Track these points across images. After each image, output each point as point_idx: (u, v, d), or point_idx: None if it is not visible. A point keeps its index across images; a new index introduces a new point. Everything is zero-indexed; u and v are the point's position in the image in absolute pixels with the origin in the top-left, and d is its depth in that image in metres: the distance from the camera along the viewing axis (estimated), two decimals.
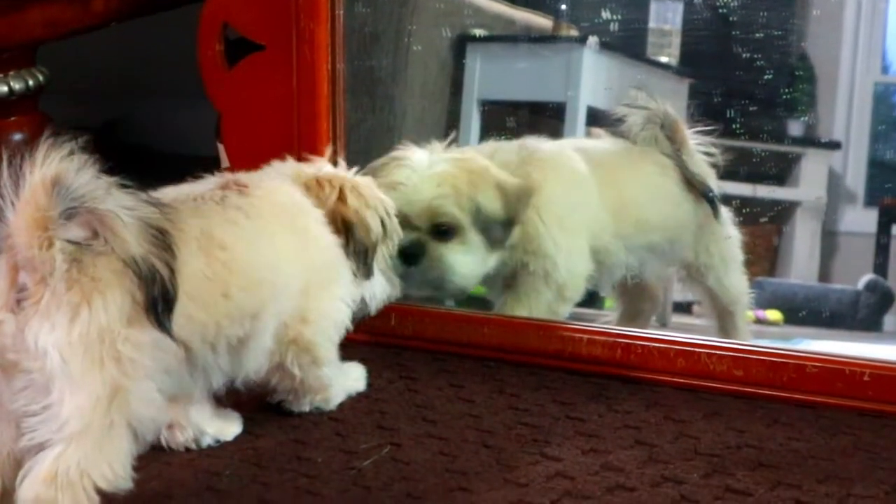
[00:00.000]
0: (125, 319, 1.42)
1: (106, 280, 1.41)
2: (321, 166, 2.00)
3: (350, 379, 2.04)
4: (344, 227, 1.91)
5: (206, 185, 1.79)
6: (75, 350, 1.39)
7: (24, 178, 1.37)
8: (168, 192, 1.70)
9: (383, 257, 2.00)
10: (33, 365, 1.41)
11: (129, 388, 1.43)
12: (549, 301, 2.24)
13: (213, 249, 1.60)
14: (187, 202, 1.67)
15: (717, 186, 2.52)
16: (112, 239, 1.40)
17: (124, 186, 1.43)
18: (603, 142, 2.39)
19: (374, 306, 2.02)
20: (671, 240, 2.42)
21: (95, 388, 1.40)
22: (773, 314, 2.82)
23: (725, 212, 2.54)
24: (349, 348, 2.11)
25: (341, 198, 1.92)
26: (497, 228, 2.16)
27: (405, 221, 2.11)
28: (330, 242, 1.88)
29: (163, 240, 1.43)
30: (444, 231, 2.14)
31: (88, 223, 1.41)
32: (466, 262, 2.15)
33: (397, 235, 2.03)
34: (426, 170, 2.16)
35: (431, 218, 2.14)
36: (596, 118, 2.46)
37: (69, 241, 1.40)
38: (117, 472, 1.44)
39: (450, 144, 2.28)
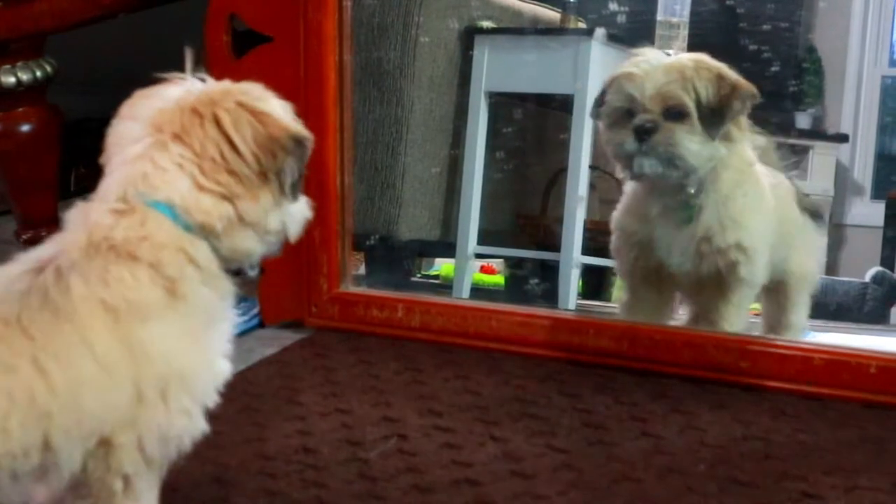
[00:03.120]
0: None
1: None
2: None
3: None
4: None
5: (25, 263, 1.47)
6: None
7: None
8: None
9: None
10: None
11: None
12: (747, 294, 2.30)
13: None
14: None
15: None
16: None
17: None
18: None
19: (293, 232, 1.62)
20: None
21: None
22: None
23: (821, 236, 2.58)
24: (356, 338, 2.12)
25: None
26: (709, 116, 2.19)
27: (639, 106, 2.19)
28: (172, 345, 1.49)
29: None
30: (675, 113, 2.19)
31: None
32: (693, 141, 2.19)
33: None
34: (658, 61, 2.23)
35: (664, 101, 2.19)
36: None
37: None
38: None
39: None
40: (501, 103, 3.08)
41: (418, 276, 3.40)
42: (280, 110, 1.56)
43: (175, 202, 1.49)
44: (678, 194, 2.24)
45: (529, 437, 1.86)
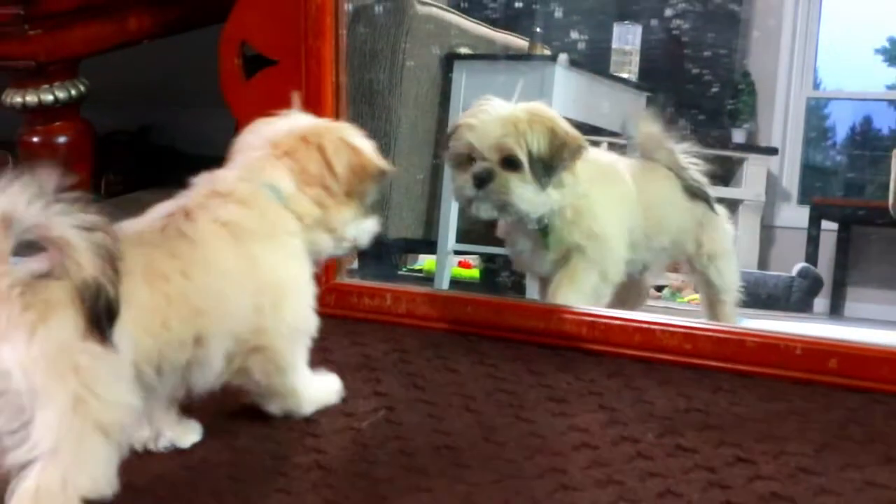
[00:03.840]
0: (80, 334, 1.34)
1: (60, 301, 1.33)
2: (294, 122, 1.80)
3: (324, 391, 1.86)
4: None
5: (159, 212, 1.65)
6: (37, 366, 1.31)
7: None
8: (129, 224, 1.60)
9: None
10: (2, 386, 1.32)
11: (94, 395, 1.34)
12: (595, 284, 2.26)
13: (155, 280, 1.49)
14: (133, 233, 1.55)
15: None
16: (67, 261, 1.32)
17: (82, 207, 1.34)
18: (623, 157, 2.45)
19: (363, 242, 1.84)
20: (674, 241, 2.44)
21: (60, 402, 1.32)
22: None
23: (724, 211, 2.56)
24: (350, 324, 2.11)
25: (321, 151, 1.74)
26: (540, 167, 2.15)
27: (479, 154, 2.16)
28: (281, 259, 1.70)
29: (111, 259, 1.34)
30: (511, 163, 2.16)
31: (46, 248, 1.34)
32: (526, 190, 2.16)
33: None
34: (496, 113, 2.18)
35: (500, 152, 2.16)
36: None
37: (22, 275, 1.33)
38: (97, 479, 1.35)
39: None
40: None
41: (404, 269, 3.40)
42: (370, 148, 1.77)
43: (283, 190, 1.70)
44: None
45: (501, 410, 1.86)
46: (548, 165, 2.16)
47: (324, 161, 1.72)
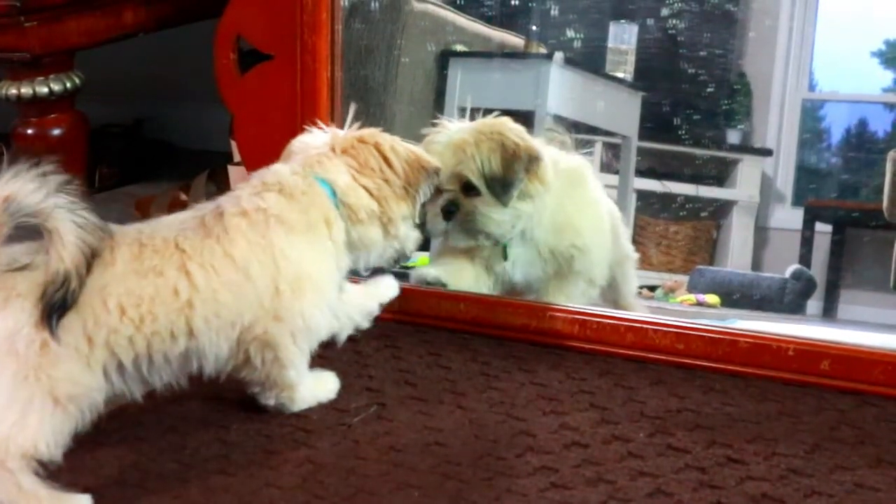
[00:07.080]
0: (32, 323, 1.46)
1: (22, 292, 1.46)
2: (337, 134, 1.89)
3: (322, 388, 1.89)
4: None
5: (205, 205, 1.73)
6: None
7: None
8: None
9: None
10: None
11: (42, 373, 1.47)
12: (583, 290, 2.26)
13: (147, 273, 1.56)
14: (142, 228, 1.64)
15: None
16: (51, 251, 1.44)
17: (77, 203, 1.46)
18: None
19: (409, 248, 1.92)
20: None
21: (6, 376, 1.46)
22: (712, 298, 2.82)
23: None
24: None
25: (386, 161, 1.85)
26: (497, 185, 2.14)
27: (442, 185, 2.13)
28: (309, 255, 1.74)
29: (91, 256, 1.47)
30: (471, 188, 2.15)
31: (41, 233, 1.45)
32: (492, 212, 2.15)
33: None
34: (448, 140, 2.17)
35: (459, 180, 2.15)
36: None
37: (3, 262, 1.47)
38: (39, 441, 1.46)
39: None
40: (472, 117, 3.07)
41: (398, 266, 3.39)
42: (420, 150, 1.90)
43: (337, 184, 1.78)
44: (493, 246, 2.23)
45: (492, 407, 1.86)
46: (503, 181, 2.14)
47: (381, 156, 1.82)
